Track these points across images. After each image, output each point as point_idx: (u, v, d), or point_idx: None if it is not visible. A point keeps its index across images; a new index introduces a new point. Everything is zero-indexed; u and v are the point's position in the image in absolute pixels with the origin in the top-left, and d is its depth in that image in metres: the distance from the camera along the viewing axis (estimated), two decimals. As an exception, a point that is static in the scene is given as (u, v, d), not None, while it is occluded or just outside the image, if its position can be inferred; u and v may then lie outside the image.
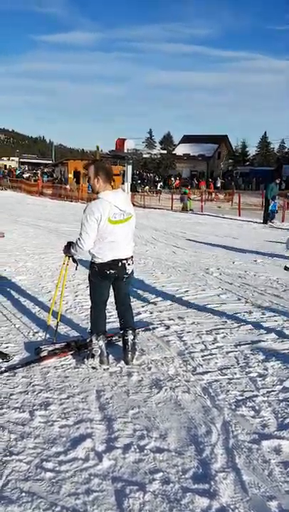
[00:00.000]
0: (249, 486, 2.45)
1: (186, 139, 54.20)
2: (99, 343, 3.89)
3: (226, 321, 5.24)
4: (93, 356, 3.90)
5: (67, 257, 4.18)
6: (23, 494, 2.38)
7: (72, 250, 3.90)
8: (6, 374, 3.77)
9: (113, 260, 3.76)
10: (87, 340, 4.08)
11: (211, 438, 2.91)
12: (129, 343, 4.00)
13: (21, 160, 75.18)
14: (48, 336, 4.43)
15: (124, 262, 3.83)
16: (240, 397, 3.43)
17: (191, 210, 23.39)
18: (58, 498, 2.36)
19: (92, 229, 3.64)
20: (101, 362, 3.89)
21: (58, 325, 4.48)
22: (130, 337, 4.01)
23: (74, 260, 4.17)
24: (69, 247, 3.99)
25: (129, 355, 4.00)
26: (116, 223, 3.69)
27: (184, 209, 23.46)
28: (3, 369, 3.87)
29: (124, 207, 3.76)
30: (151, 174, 48.08)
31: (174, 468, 2.62)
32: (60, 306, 4.66)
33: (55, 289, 4.65)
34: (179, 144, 55.24)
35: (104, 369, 3.87)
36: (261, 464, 2.65)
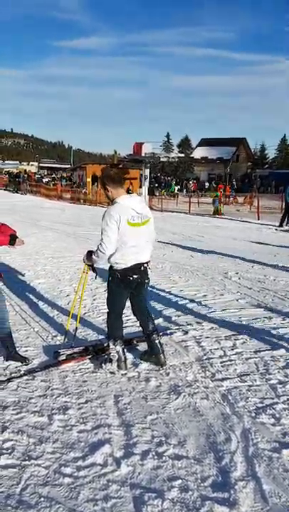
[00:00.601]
0: (269, 496, 2.41)
1: (204, 142, 54.02)
2: (116, 348, 3.89)
3: (245, 326, 5.18)
4: (111, 361, 3.90)
5: (86, 266, 4.17)
6: (42, 499, 2.38)
7: (94, 257, 3.86)
8: (26, 377, 3.80)
9: (136, 264, 3.76)
10: (105, 345, 4.09)
11: (231, 446, 2.87)
12: (159, 346, 4.01)
13: (40, 164, 76.05)
14: (66, 340, 4.45)
15: (146, 265, 3.84)
16: (260, 405, 3.39)
17: (222, 213, 22.26)
18: (76, 504, 2.36)
19: (113, 232, 3.65)
20: (119, 367, 3.90)
21: (76, 329, 4.49)
22: (157, 340, 4.02)
23: (94, 269, 4.14)
24: (89, 255, 3.98)
25: (162, 357, 4.01)
26: (135, 226, 3.70)
27: (215, 213, 22.41)
28: (22, 372, 3.90)
29: (141, 210, 3.77)
30: (168, 178, 48.08)
31: (192, 475, 2.59)
32: (79, 312, 4.66)
33: (75, 295, 4.65)
34: (196, 147, 55.14)
35: (122, 374, 3.86)
36: (282, 473, 2.61)
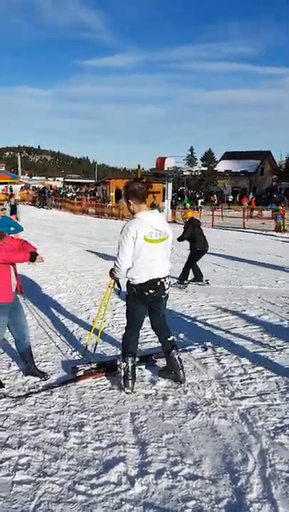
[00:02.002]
0: (286, 521, 2.34)
1: (228, 156, 53.88)
2: (123, 365, 3.85)
3: (266, 344, 5.09)
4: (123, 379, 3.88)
5: (112, 280, 4.19)
6: (55, 517, 2.38)
7: (113, 272, 3.91)
8: (44, 393, 3.83)
9: (151, 280, 3.76)
10: (118, 363, 4.08)
11: (247, 466, 2.81)
12: (178, 362, 3.98)
13: (66, 180, 77.39)
14: (86, 355, 4.47)
15: (163, 280, 3.83)
16: (279, 425, 3.31)
17: (284, 230, 20.50)
18: (88, 523, 2.34)
19: (129, 248, 3.67)
20: (124, 385, 3.84)
21: (96, 345, 4.51)
22: (176, 356, 3.99)
23: (118, 284, 4.15)
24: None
25: (181, 374, 3.98)
26: (152, 242, 3.71)
27: (278, 229, 20.78)
28: (40, 388, 3.93)
29: (160, 227, 3.78)
30: (191, 191, 48.06)
31: (207, 496, 2.54)
32: (101, 327, 4.67)
33: (98, 309, 4.64)
34: (220, 160, 55.07)
35: (126, 392, 3.81)
36: (300, 497, 2.53)
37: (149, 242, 3.70)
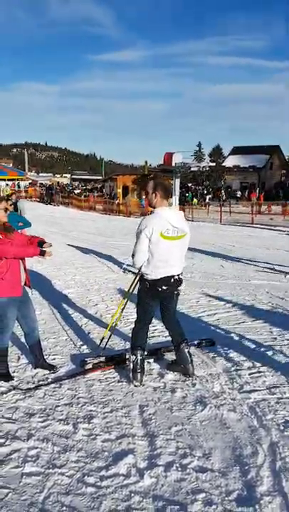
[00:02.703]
0: (297, 513, 2.31)
1: (236, 151, 53.46)
2: (133, 358, 3.85)
3: (275, 338, 5.05)
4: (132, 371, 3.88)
5: (131, 286, 4.19)
6: (64, 508, 2.38)
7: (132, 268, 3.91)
8: (53, 385, 3.84)
9: (166, 277, 3.74)
10: (127, 356, 4.08)
11: (257, 459, 2.79)
12: (188, 355, 3.97)
13: (73, 176, 77.56)
14: (98, 348, 4.46)
15: (176, 278, 3.81)
16: (289, 418, 3.28)
17: None
18: (98, 514, 2.34)
19: (144, 242, 3.65)
20: (133, 378, 3.84)
21: (109, 338, 4.50)
22: (186, 349, 3.98)
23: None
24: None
25: (190, 367, 3.97)
26: (169, 239, 3.67)
27: None
28: (49, 380, 3.94)
29: (178, 224, 3.71)
30: (199, 187, 47.86)
31: (217, 489, 2.53)
32: (118, 321, 4.65)
33: (120, 303, 4.60)
34: (228, 155, 54.70)
35: (134, 385, 3.81)
36: (311, 490, 2.50)
37: (165, 239, 3.65)
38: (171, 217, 3.68)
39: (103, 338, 4.49)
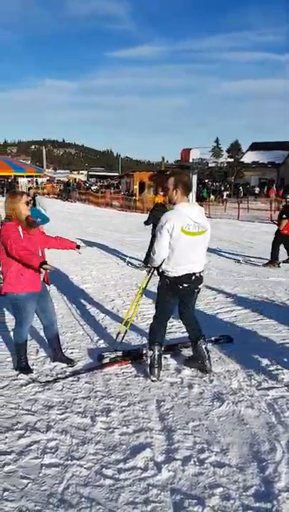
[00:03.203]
0: (316, 510, 2.30)
1: (255, 147, 52.85)
2: (150, 353, 3.86)
3: (293, 335, 5.00)
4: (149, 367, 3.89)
5: (146, 280, 4.22)
6: (83, 499, 2.41)
7: (151, 263, 3.92)
8: (71, 379, 3.88)
9: (187, 274, 3.73)
10: (143, 351, 4.09)
11: (275, 455, 2.78)
12: (205, 352, 3.96)
13: (90, 173, 77.83)
14: (115, 342, 4.49)
15: (198, 275, 3.80)
16: (308, 415, 3.25)
17: None
18: (116, 506, 2.37)
19: (165, 239, 3.65)
20: (150, 373, 3.85)
21: (125, 333, 4.52)
22: (203, 345, 3.97)
23: (157, 272, 4.05)
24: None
25: (208, 363, 3.96)
26: (190, 234, 3.65)
27: None
28: (67, 373, 3.99)
29: (199, 219, 3.70)
30: (217, 183, 47.54)
31: (234, 484, 2.53)
32: (132, 316, 4.68)
33: (135, 297, 4.63)
34: (247, 151, 54.15)
35: (152, 380, 3.82)
36: None
37: (186, 234, 3.64)
38: (191, 213, 3.67)
39: (119, 333, 4.52)
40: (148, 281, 4.37)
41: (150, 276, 4.30)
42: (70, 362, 4.21)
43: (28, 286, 3.82)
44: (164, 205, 9.88)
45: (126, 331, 4.54)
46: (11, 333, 4.90)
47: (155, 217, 9.09)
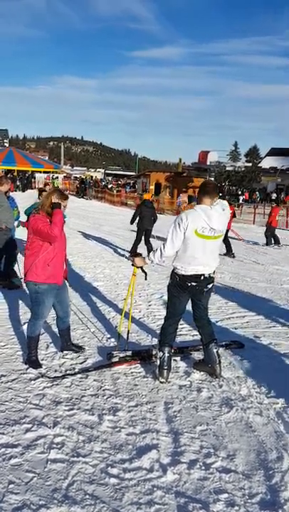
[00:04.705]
0: None
1: (274, 152, 52.38)
2: (160, 354, 3.84)
3: (305, 343, 4.94)
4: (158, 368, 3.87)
5: (136, 268, 4.21)
6: (87, 497, 2.41)
7: (152, 257, 3.87)
8: (79, 375, 3.88)
9: (195, 274, 3.72)
10: (153, 352, 4.08)
11: (282, 464, 2.74)
12: (216, 355, 3.93)
13: (107, 171, 78.12)
14: (120, 343, 4.49)
15: (207, 276, 3.78)
16: (317, 426, 3.20)
17: None
18: (120, 505, 2.36)
19: (178, 237, 3.64)
20: (159, 374, 3.83)
21: (128, 333, 4.52)
22: (214, 349, 3.94)
23: (143, 270, 4.18)
24: (139, 258, 4.09)
25: (218, 368, 3.94)
26: (203, 237, 3.63)
27: None
28: (76, 370, 4.00)
29: (216, 225, 3.63)
30: (233, 187, 47.25)
31: (240, 491, 2.51)
32: (130, 315, 4.67)
33: (125, 298, 4.69)
34: (265, 156, 53.71)
35: (160, 381, 3.80)
36: None
37: (200, 237, 3.62)
38: (210, 217, 3.60)
39: (119, 335, 4.49)
40: (134, 281, 4.39)
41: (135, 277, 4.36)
42: (79, 349, 4.35)
43: (51, 277, 3.90)
44: (151, 202, 11.14)
45: (128, 331, 4.51)
46: (22, 327, 4.95)
47: (142, 212, 10.08)
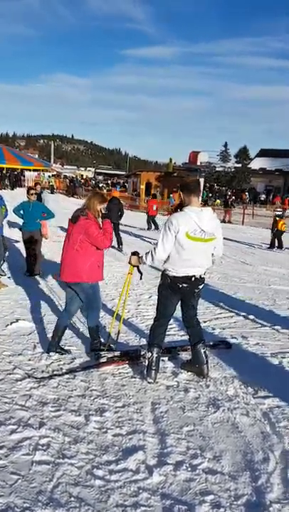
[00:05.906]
0: (307, 524, 2.27)
1: (263, 153, 52.63)
2: (148, 355, 3.84)
3: (293, 344, 4.97)
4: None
5: (132, 267, 4.20)
6: (72, 499, 2.39)
7: (145, 257, 3.85)
8: (67, 376, 3.86)
9: (186, 276, 3.72)
10: (142, 352, 4.07)
11: (268, 466, 2.75)
12: (204, 356, 3.93)
13: (97, 170, 77.91)
14: (108, 342, 4.48)
15: (198, 277, 3.77)
16: (303, 426, 3.22)
17: None
18: (105, 508, 2.35)
19: (169, 240, 3.61)
20: (147, 374, 3.82)
21: (119, 333, 4.51)
22: (202, 350, 3.94)
23: (139, 270, 4.19)
24: (135, 257, 4.05)
25: (206, 368, 3.93)
26: (194, 240, 3.60)
27: None
28: (64, 371, 3.97)
29: (207, 227, 3.61)
30: (223, 188, 47.43)
31: (226, 492, 2.50)
32: (123, 315, 4.67)
33: (119, 297, 4.71)
34: (255, 157, 53.97)
35: (148, 382, 3.80)
36: None
37: (191, 240, 3.59)
38: (201, 219, 3.59)
39: (110, 335, 4.48)
40: (129, 280, 4.45)
41: (131, 275, 4.40)
42: (66, 352, 4.37)
43: (100, 277, 4.38)
44: (119, 199, 11.85)
45: (119, 331, 4.50)
46: (7, 328, 4.90)
47: (110, 210, 9.94)
